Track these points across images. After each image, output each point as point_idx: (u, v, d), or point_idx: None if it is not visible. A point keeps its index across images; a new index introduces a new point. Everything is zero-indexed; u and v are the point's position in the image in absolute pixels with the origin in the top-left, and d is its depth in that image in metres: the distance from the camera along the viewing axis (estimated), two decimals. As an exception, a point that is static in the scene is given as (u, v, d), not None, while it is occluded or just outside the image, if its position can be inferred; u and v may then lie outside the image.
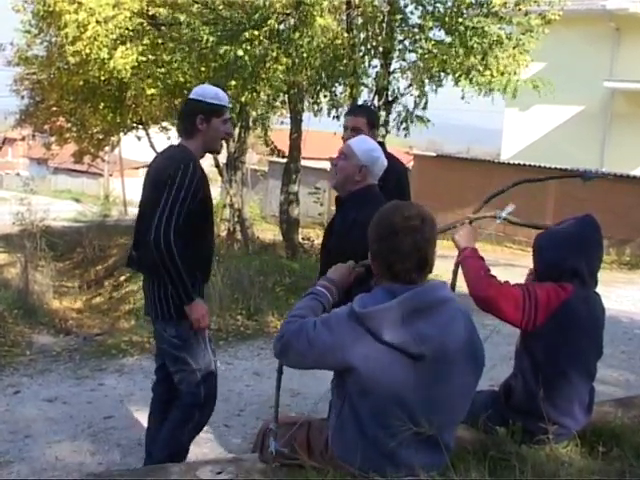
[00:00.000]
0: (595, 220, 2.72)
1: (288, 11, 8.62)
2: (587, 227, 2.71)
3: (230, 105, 3.51)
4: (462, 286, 2.78)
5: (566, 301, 2.56)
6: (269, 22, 8.25)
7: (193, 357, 3.07)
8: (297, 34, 8.21)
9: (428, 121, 8.87)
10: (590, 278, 2.66)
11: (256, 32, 8.29)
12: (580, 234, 2.68)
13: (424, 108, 8.93)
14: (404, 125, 8.76)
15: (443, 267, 3.57)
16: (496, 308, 2.57)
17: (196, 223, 2.97)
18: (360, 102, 8.63)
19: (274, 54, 8.50)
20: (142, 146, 17.18)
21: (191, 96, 3.14)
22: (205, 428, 4.25)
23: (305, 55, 8.18)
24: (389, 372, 2.03)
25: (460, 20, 8.12)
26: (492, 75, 8.23)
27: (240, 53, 8.18)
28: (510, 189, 3.08)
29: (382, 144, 3.71)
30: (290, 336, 2.16)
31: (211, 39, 8.53)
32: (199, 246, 3.03)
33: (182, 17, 9.97)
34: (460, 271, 2.80)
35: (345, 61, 8.37)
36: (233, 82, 8.75)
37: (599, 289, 2.74)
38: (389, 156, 3.54)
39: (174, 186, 2.89)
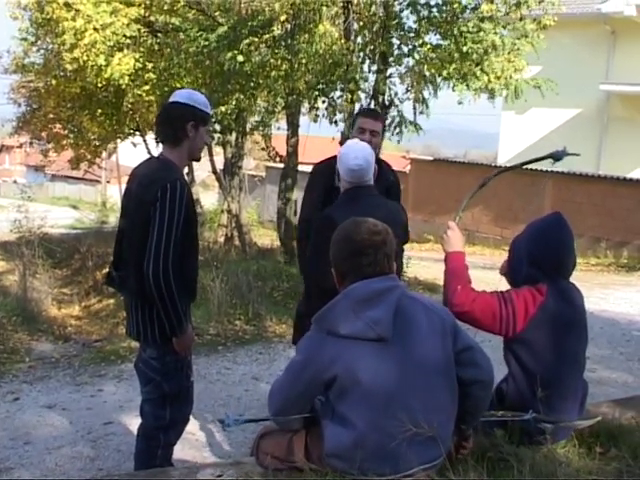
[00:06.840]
0: (558, 214, 2.68)
1: (288, 18, 8.63)
2: (540, 223, 2.68)
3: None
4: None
5: (543, 303, 2.55)
6: (272, 29, 8.26)
7: (167, 381, 2.96)
8: (297, 40, 8.22)
9: (420, 129, 8.85)
10: (556, 270, 2.61)
11: (256, 39, 8.31)
12: (530, 234, 2.67)
13: (422, 113, 8.94)
14: (397, 130, 8.76)
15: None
16: (473, 320, 2.60)
17: (182, 244, 2.82)
18: (357, 107, 8.65)
19: (272, 60, 8.51)
20: (139, 153, 17.21)
21: (180, 100, 2.96)
22: (204, 433, 4.28)
23: (304, 61, 8.19)
24: (362, 365, 2.08)
25: (455, 25, 8.15)
26: (489, 80, 8.25)
27: (241, 59, 8.19)
28: (491, 181, 3.04)
29: None
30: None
31: (212, 45, 8.54)
32: (186, 267, 2.89)
33: (178, 23, 10.02)
34: None
35: (344, 67, 8.38)
36: (230, 87, 8.76)
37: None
38: (381, 163, 3.57)
39: (165, 212, 2.75)
